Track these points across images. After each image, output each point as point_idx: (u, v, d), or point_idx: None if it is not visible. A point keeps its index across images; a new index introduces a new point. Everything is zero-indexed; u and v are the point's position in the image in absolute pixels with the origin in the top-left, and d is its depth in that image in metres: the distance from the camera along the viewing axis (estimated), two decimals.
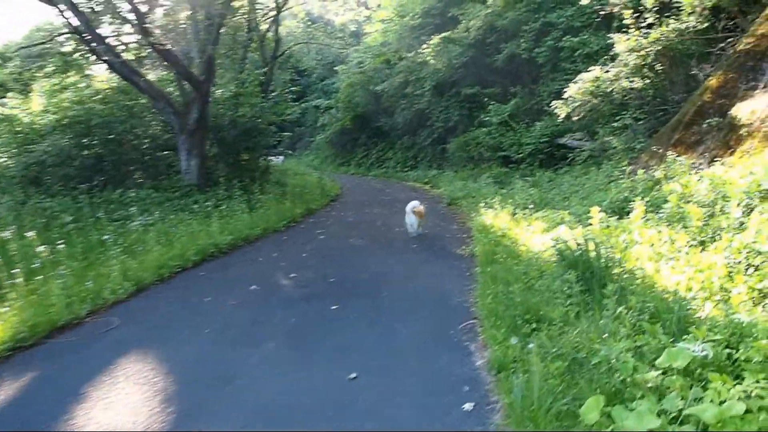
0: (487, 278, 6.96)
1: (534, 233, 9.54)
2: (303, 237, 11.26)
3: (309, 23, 32.58)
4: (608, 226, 8.52)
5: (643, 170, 11.28)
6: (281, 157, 31.78)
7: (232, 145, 16.49)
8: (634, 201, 9.85)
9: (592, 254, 6.24)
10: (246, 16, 23.38)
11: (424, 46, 25.72)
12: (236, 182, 14.90)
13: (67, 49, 15.04)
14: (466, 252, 9.42)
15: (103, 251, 8.16)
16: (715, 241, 6.71)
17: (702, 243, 6.86)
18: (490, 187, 17.19)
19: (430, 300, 6.64)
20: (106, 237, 8.42)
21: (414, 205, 11.26)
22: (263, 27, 24.13)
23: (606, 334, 4.60)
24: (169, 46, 14.07)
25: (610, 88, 14.54)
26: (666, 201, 8.84)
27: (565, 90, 16.50)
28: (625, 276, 6.10)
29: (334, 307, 6.29)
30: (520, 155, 19.67)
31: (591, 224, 8.62)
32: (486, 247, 8.88)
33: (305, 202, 15.54)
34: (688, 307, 4.89)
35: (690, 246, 6.77)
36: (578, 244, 6.49)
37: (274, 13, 23.89)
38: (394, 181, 26.49)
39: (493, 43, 23.10)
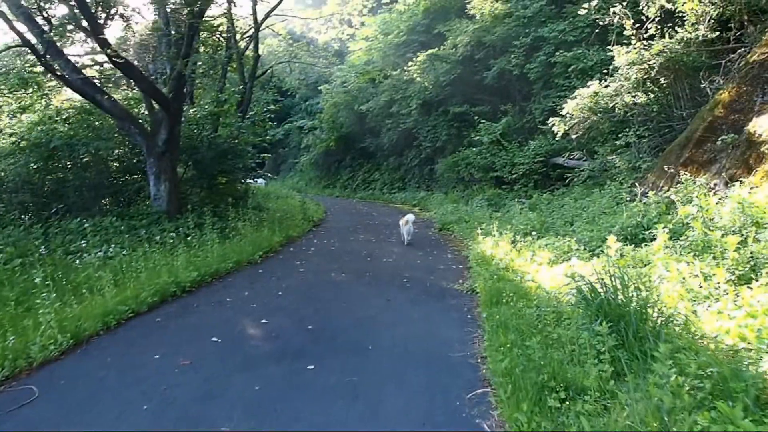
0: (495, 326, 5.81)
1: (540, 265, 8.45)
2: (280, 270, 10.05)
3: (291, 42, 31.49)
4: (622, 256, 7.51)
5: (654, 192, 10.30)
6: (263, 180, 30.68)
7: (208, 168, 15.34)
8: (650, 227, 8.87)
9: (620, 296, 5.15)
10: (224, 34, 22.39)
11: (410, 63, 24.81)
12: (210, 208, 13.74)
13: (23, 65, 13.83)
14: (465, 288, 8.28)
15: (47, 294, 6.93)
16: (756, 276, 5.71)
17: (741, 278, 5.84)
18: (483, 210, 16.15)
19: (427, 355, 5.45)
20: (42, 277, 7.12)
21: (410, 218, 13.22)
22: (242, 44, 23.05)
23: (665, 416, 3.49)
24: (132, 60, 13.01)
25: (611, 104, 13.60)
26: (686, 227, 7.89)
27: (559, 107, 15.63)
28: (660, 321, 4.98)
29: (309, 368, 5.08)
30: (514, 176, 18.68)
31: (607, 255, 7.59)
32: (488, 283, 7.76)
33: (286, 229, 14.38)
34: (761, 374, 3.80)
35: (728, 282, 5.74)
36: (602, 284, 5.39)
37: (253, 30, 22.86)
38: (381, 204, 25.47)
39: (482, 59, 22.26)
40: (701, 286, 5.92)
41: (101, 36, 10.94)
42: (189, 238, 10.68)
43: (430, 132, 25.15)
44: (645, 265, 7.24)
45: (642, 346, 4.59)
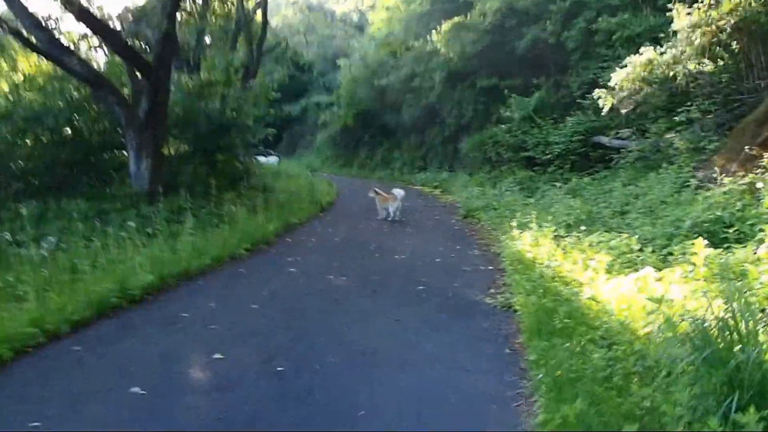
0: (551, 383, 3.86)
1: (597, 273, 6.47)
2: (266, 271, 8.13)
3: (307, 12, 29.49)
4: (707, 264, 5.61)
5: (730, 178, 8.30)
6: (275, 158, 28.97)
7: (203, 143, 13.52)
8: (733, 224, 6.94)
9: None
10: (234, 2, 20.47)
11: (434, 32, 22.62)
12: (202, 189, 11.96)
13: None
14: (499, 302, 6.31)
15: None
16: None
17: None
18: (514, 195, 14.15)
19: None
20: None
21: (401, 194, 13.01)
22: (250, 6, 20.99)
23: None
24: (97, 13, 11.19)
25: (670, 73, 11.51)
26: None
27: (601, 79, 13.71)
28: None
29: None
30: (548, 156, 16.60)
31: (692, 263, 5.68)
32: (531, 297, 5.81)
33: (288, 214, 12.51)
34: None
35: None
36: (720, 324, 3.44)
37: None
38: (400, 185, 23.45)
39: (514, 27, 20.09)
40: None
41: None
42: (154, 229, 8.80)
43: (455, 108, 23.06)
44: (740, 279, 5.29)
45: None
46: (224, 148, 13.98)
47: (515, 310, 5.94)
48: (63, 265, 6.76)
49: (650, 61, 11.94)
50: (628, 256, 6.99)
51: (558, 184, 15.01)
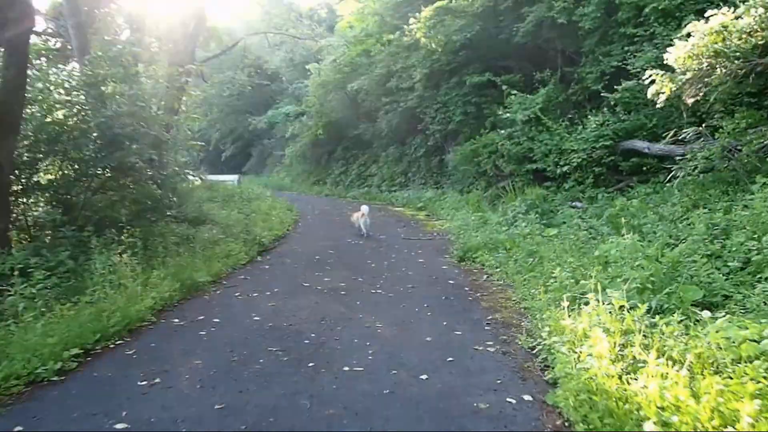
0: None
1: None
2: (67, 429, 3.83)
3: (267, 6, 25.51)
4: None
5: None
6: (235, 177, 25.16)
7: (92, 164, 9.44)
8: None
9: None
10: None
11: (412, 20, 18.66)
12: (73, 233, 7.96)
13: None
14: None
15: None
16: None
17: None
18: (530, 225, 10.17)
19: None
20: None
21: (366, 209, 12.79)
22: None
23: None
24: None
25: (758, 41, 7.81)
26: None
27: (631, 67, 11.23)
28: None
29: None
30: (564, 168, 12.71)
31: None
32: None
33: (199, 266, 8.45)
34: None
35: None
36: None
37: None
38: (377, 206, 19.61)
39: (510, 9, 16.46)
40: None
41: None
42: None
43: (440, 111, 19.18)
44: None
45: None
46: (122, 169, 9.80)
47: None
48: None
49: (724, 28, 8.17)
50: None
51: (579, 204, 11.27)
